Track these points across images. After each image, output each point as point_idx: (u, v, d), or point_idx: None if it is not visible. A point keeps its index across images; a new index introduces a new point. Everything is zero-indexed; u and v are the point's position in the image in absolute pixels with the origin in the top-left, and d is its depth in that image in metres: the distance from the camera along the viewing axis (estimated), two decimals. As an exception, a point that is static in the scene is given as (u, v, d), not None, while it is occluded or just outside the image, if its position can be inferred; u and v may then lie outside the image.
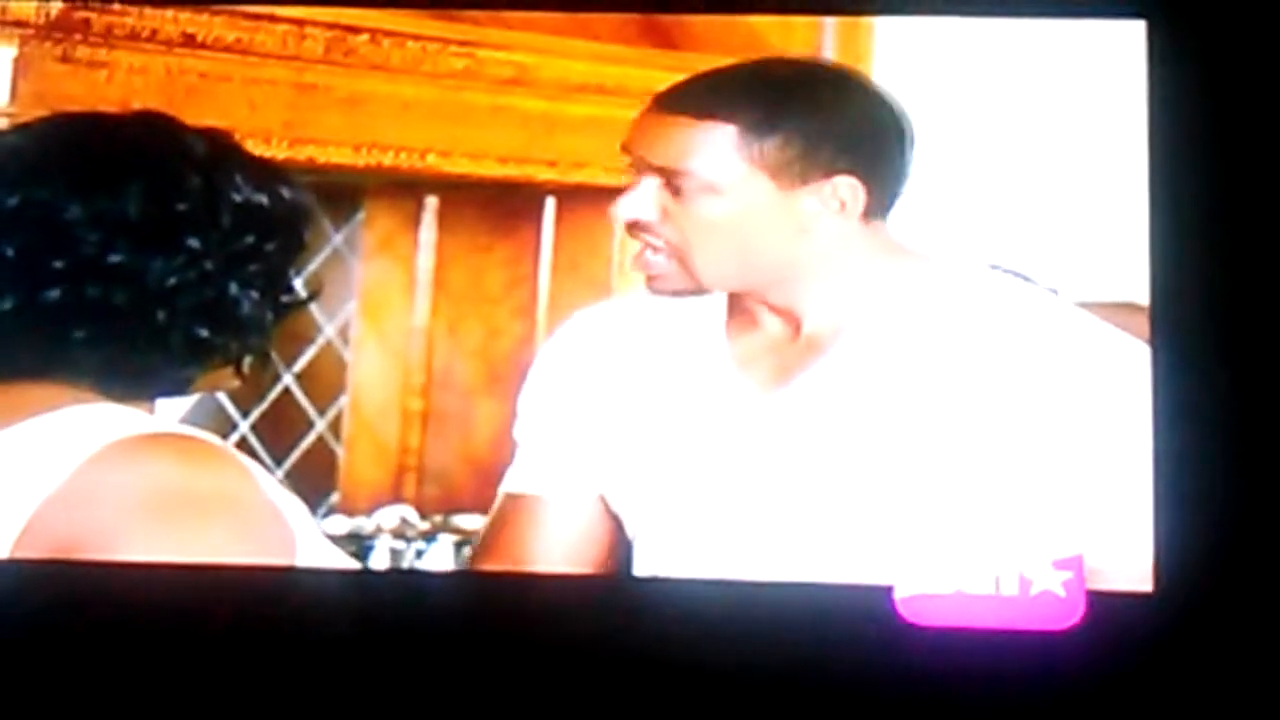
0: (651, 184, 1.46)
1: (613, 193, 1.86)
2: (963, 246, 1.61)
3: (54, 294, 1.28)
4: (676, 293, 1.49)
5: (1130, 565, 1.44)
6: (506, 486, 1.59)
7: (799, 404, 1.46)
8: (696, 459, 1.49)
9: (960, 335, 1.44)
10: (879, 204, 1.47)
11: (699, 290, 1.48)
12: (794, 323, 1.49)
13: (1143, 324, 1.50)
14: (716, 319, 1.52)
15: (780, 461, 1.45)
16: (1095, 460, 1.40)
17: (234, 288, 1.31)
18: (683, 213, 1.45)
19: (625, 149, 1.48)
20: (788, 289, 1.48)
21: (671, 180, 1.44)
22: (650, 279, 1.49)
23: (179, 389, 1.35)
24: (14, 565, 1.24)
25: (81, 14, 1.70)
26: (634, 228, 1.48)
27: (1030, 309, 1.45)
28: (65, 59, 1.70)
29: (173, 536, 1.22)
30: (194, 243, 1.29)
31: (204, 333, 1.31)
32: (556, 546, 1.56)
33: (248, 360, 1.36)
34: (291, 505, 1.31)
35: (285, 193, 1.36)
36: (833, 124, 1.45)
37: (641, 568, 1.53)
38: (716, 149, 1.44)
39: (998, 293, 1.46)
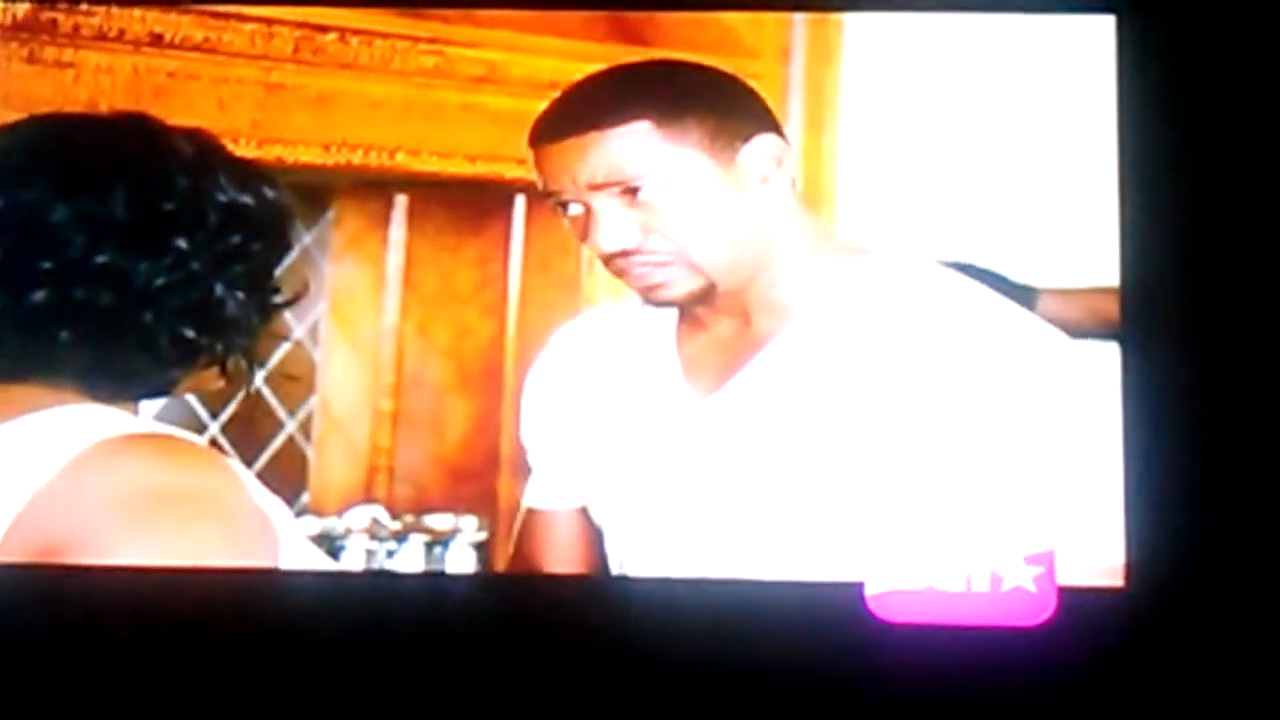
0: (612, 205, 1.44)
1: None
2: (934, 240, 1.62)
3: (39, 295, 1.28)
4: (687, 297, 1.47)
5: (1101, 560, 1.44)
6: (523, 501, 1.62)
7: (732, 405, 1.46)
8: (650, 468, 1.49)
9: (909, 330, 1.43)
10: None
11: (709, 288, 1.46)
12: (743, 320, 1.48)
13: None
14: (667, 328, 1.52)
15: (720, 463, 1.45)
16: (1064, 455, 1.40)
17: (220, 288, 1.31)
18: (657, 218, 1.43)
19: (553, 189, 1.47)
20: (747, 283, 1.47)
21: (628, 191, 1.43)
22: (655, 289, 1.47)
23: (164, 390, 1.34)
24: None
25: (48, 14, 1.69)
26: (624, 255, 1.46)
27: (976, 304, 1.45)
28: (32, 59, 1.69)
29: (156, 537, 1.22)
30: (181, 243, 1.29)
31: (190, 333, 1.31)
32: (557, 556, 1.58)
33: (232, 361, 1.36)
34: (275, 507, 1.30)
35: (268, 193, 1.36)
36: (730, 93, 1.47)
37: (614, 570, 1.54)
38: (646, 144, 1.43)
39: (948, 289, 1.46)
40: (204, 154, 1.35)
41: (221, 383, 1.37)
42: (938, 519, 1.40)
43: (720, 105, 1.45)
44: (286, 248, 1.39)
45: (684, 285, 1.46)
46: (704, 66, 1.52)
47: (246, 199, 1.34)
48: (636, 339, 1.53)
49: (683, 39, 1.77)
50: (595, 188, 1.43)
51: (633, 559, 1.51)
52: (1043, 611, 1.42)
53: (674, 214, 1.43)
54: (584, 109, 1.45)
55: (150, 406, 1.46)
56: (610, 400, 1.53)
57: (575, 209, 1.46)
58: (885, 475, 1.39)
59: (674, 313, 1.52)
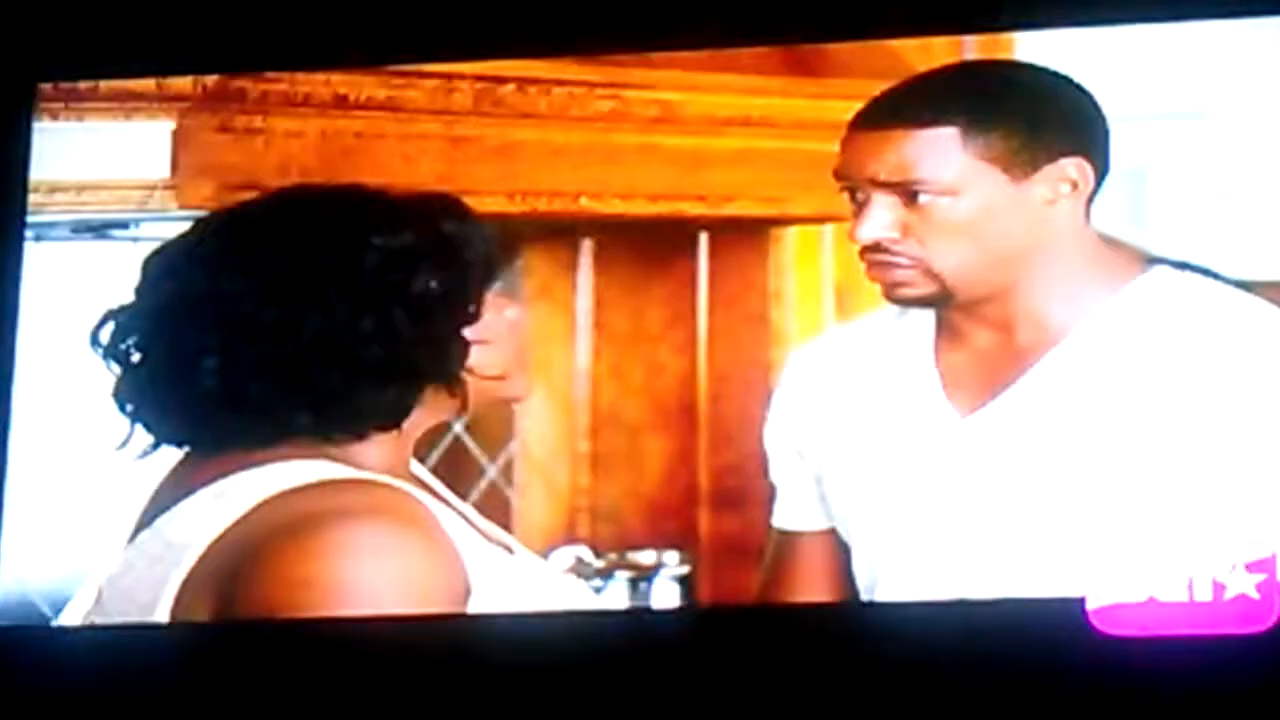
0: (885, 201, 1.46)
1: (763, 224, 1.89)
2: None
3: (211, 363, 1.33)
4: (921, 300, 1.49)
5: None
6: (772, 521, 1.63)
7: (995, 425, 1.46)
8: (906, 487, 1.49)
9: (1167, 342, 1.43)
10: (1097, 190, 1.47)
11: (944, 295, 1.48)
12: (1006, 336, 1.49)
13: None
14: (924, 342, 1.52)
15: (978, 482, 1.45)
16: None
17: (374, 324, 1.34)
18: (923, 223, 1.45)
19: (843, 174, 1.50)
20: (1010, 296, 1.48)
21: (906, 192, 1.45)
22: (893, 287, 1.49)
23: (393, 421, 1.38)
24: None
25: (237, 84, 1.73)
26: (874, 249, 1.48)
27: (1239, 315, 1.44)
28: (223, 129, 1.74)
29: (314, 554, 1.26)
30: (333, 292, 1.33)
31: (362, 373, 1.34)
32: (808, 579, 1.58)
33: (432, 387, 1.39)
34: (474, 550, 1.33)
35: (445, 226, 1.40)
36: (1049, 108, 1.47)
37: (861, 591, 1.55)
38: (945, 151, 1.45)
39: (1206, 297, 1.46)
40: (356, 205, 1.41)
41: (455, 408, 1.42)
42: (1161, 529, 1.39)
43: (1033, 121, 1.46)
44: (470, 272, 1.41)
45: (919, 288, 1.48)
46: (1041, 72, 1.54)
47: (407, 238, 1.37)
48: (893, 351, 1.54)
49: (854, 68, 1.78)
50: (878, 184, 1.46)
51: (882, 579, 1.52)
52: (1267, 618, 1.40)
53: (938, 223, 1.45)
54: (903, 104, 1.48)
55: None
56: (865, 415, 1.54)
57: (859, 195, 1.49)
58: (1124, 490, 1.38)
59: (931, 323, 1.53)
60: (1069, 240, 1.48)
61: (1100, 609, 1.42)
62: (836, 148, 1.53)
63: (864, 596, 1.54)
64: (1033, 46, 1.82)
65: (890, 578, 1.50)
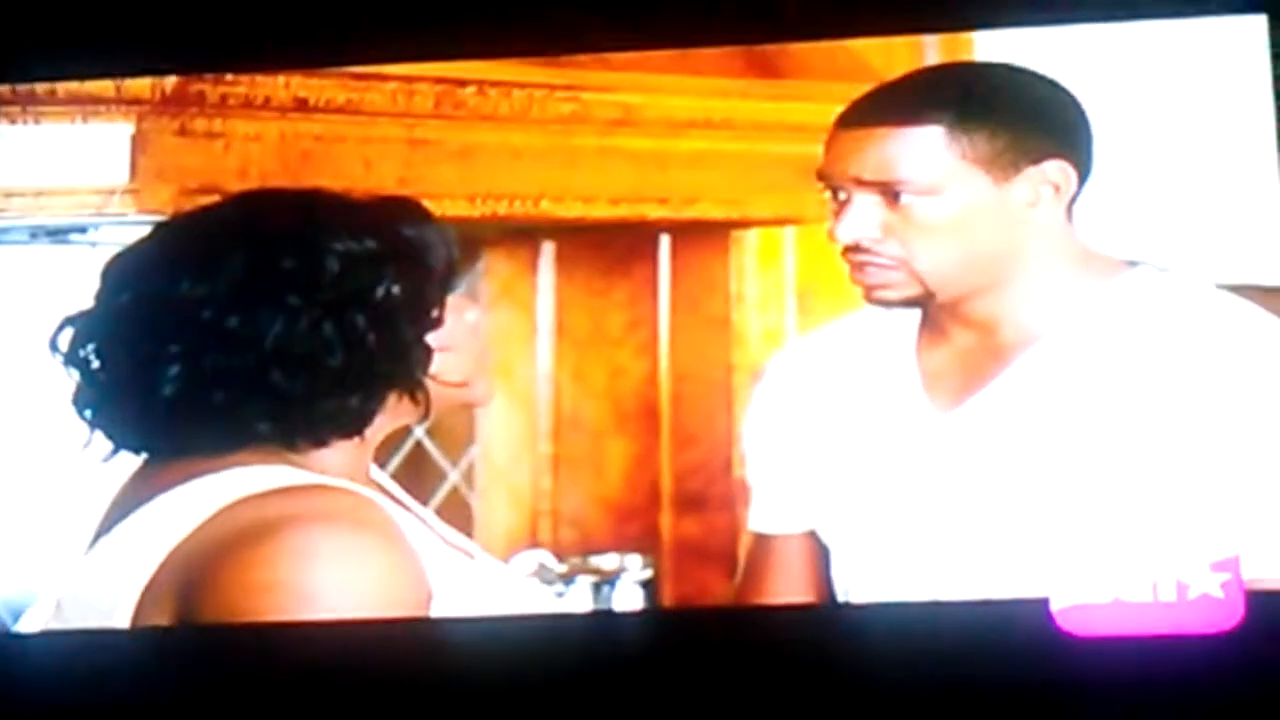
0: (867, 201, 1.47)
1: (725, 226, 1.89)
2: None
3: (174, 370, 1.31)
4: (903, 301, 1.49)
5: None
6: (749, 524, 1.63)
7: (973, 420, 1.47)
8: (885, 484, 1.49)
9: (1146, 341, 1.45)
10: (1079, 192, 1.48)
11: (925, 297, 1.48)
12: (988, 334, 1.49)
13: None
14: (907, 339, 1.53)
15: (953, 480, 1.46)
16: (1260, 462, 1.40)
17: (335, 330, 1.33)
18: (903, 222, 1.46)
19: (826, 175, 1.50)
20: (992, 295, 1.48)
21: (888, 192, 1.45)
22: (873, 290, 1.50)
23: (354, 430, 1.37)
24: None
25: (196, 86, 1.72)
26: (854, 250, 1.49)
27: (1218, 316, 1.45)
28: (182, 132, 1.72)
29: (274, 559, 1.25)
30: (294, 298, 1.32)
31: (321, 380, 1.33)
32: (786, 582, 1.58)
33: (395, 394, 1.38)
34: (437, 557, 1.33)
35: (405, 231, 1.39)
36: (1034, 110, 1.48)
37: (839, 592, 1.55)
38: (929, 151, 1.45)
39: (1186, 297, 1.47)
40: (317, 210, 1.39)
41: (420, 412, 1.41)
42: (1126, 529, 1.40)
43: (1018, 123, 1.46)
44: (432, 277, 1.40)
45: (901, 290, 1.48)
46: (1025, 74, 1.54)
47: (369, 243, 1.36)
48: (875, 349, 1.54)
49: (816, 69, 1.78)
50: (860, 183, 1.46)
51: (862, 579, 1.52)
52: (1231, 617, 1.40)
53: (920, 223, 1.46)
54: (887, 103, 1.48)
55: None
56: (846, 412, 1.54)
57: (841, 195, 1.49)
58: (1093, 490, 1.39)
59: (915, 321, 1.53)
60: (1050, 242, 1.48)
61: (1065, 609, 1.42)
62: (798, 149, 1.53)
63: (842, 598, 1.54)
64: (993, 46, 1.82)
65: (868, 574, 1.51)
